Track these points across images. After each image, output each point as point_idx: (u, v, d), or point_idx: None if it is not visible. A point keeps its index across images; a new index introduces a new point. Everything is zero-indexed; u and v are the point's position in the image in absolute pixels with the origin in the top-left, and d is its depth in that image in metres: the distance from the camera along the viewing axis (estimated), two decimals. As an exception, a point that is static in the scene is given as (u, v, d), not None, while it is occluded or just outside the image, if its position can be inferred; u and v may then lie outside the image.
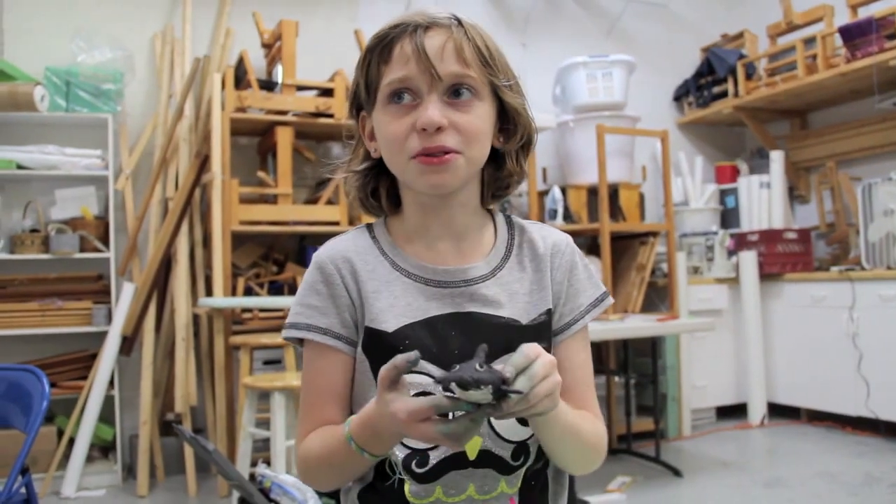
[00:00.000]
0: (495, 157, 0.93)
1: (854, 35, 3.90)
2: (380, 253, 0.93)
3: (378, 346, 0.88)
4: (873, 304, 3.79)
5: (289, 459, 2.60)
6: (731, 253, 4.46)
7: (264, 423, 2.84)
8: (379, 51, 0.87)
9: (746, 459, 3.65)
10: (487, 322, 0.89)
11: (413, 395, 0.76)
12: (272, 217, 3.47)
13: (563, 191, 4.16)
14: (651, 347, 3.67)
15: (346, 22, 4.13)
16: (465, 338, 0.88)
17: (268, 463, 2.47)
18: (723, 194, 4.85)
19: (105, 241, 3.52)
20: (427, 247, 0.93)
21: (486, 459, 0.88)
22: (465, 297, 0.90)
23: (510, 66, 0.92)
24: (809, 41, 4.24)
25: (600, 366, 3.97)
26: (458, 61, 0.85)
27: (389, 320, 0.88)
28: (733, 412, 4.41)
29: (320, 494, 2.08)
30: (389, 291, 0.90)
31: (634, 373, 3.97)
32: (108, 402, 3.41)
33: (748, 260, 4.30)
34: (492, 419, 0.86)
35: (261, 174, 3.55)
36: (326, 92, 3.64)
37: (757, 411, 4.27)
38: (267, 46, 3.81)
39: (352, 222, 3.51)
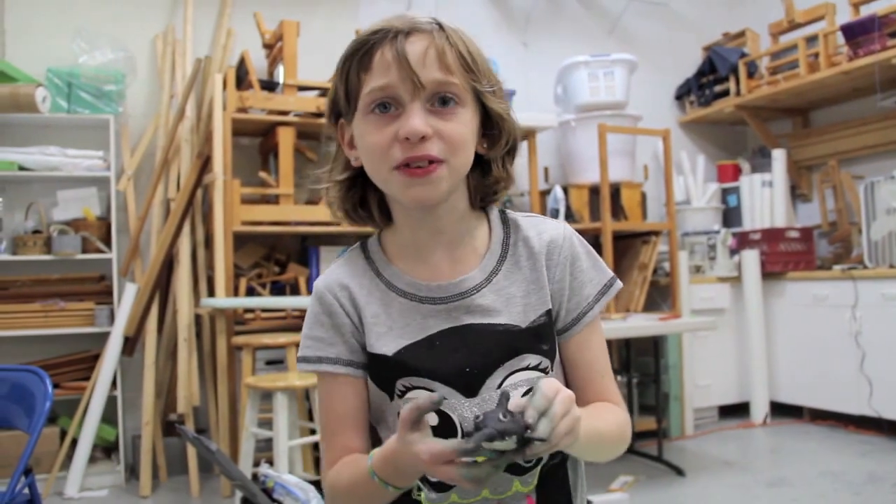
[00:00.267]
0: (480, 163, 0.92)
1: (856, 33, 3.89)
2: (375, 275, 0.93)
3: (381, 369, 0.90)
4: (876, 302, 3.78)
5: (291, 459, 2.60)
6: (734, 252, 4.46)
7: (267, 424, 2.84)
8: (359, 58, 0.86)
9: (749, 459, 3.65)
10: (486, 332, 0.89)
11: (409, 405, 0.75)
12: (274, 217, 3.47)
13: (565, 190, 4.16)
14: (653, 346, 3.67)
15: (347, 22, 4.13)
16: (465, 350, 0.88)
17: (270, 463, 2.47)
18: (725, 193, 4.85)
19: (107, 242, 3.52)
20: (421, 260, 0.92)
21: None
22: (462, 309, 0.90)
23: (493, 70, 0.90)
24: (811, 39, 4.23)
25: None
26: (440, 68, 0.84)
27: (389, 344, 0.89)
28: (736, 411, 4.40)
29: (323, 495, 2.08)
30: (387, 314, 0.91)
31: (637, 372, 3.97)
32: (111, 402, 3.41)
33: (750, 259, 4.30)
34: None
35: (262, 174, 3.55)
36: (328, 92, 3.63)
37: (759, 410, 4.26)
38: (268, 47, 3.81)
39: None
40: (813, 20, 4.35)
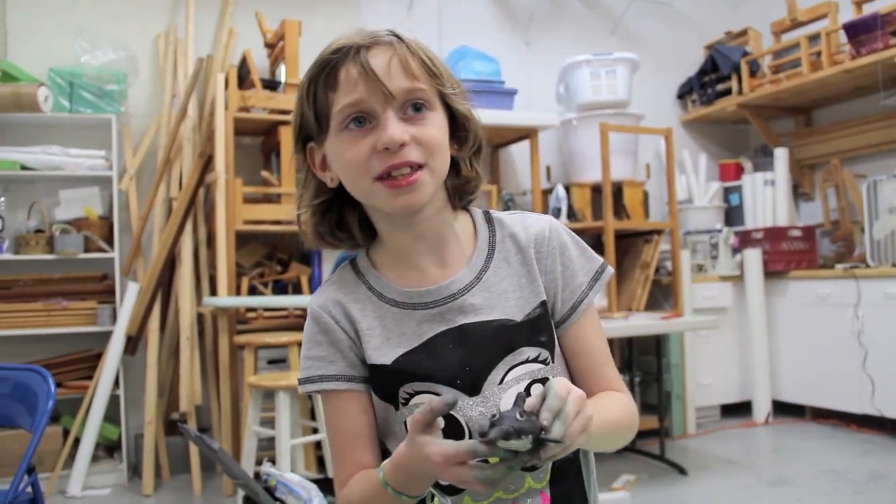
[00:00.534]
0: (452, 165, 0.93)
1: (859, 32, 3.88)
2: (366, 288, 0.94)
3: (382, 380, 0.90)
4: (878, 301, 3.78)
5: (294, 458, 2.60)
6: (736, 251, 4.45)
7: (269, 422, 2.85)
8: (324, 78, 0.86)
9: (751, 457, 3.65)
10: (482, 329, 0.89)
11: (418, 411, 0.75)
12: (276, 216, 3.48)
13: (567, 189, 4.16)
14: (655, 345, 3.66)
15: (348, 21, 4.13)
16: (463, 350, 0.89)
17: (273, 461, 2.47)
18: (727, 192, 4.84)
19: (109, 242, 3.53)
20: (409, 267, 0.93)
21: None
22: (455, 311, 0.90)
23: (453, 74, 0.92)
24: (814, 38, 4.22)
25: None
26: (406, 76, 0.85)
27: (386, 353, 0.90)
28: (738, 410, 4.40)
29: (325, 493, 2.08)
30: (382, 325, 0.91)
31: (639, 371, 3.97)
32: (114, 401, 3.42)
33: (752, 258, 4.29)
34: None
35: (264, 174, 3.55)
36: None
37: (762, 409, 4.26)
38: (270, 46, 3.81)
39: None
40: (815, 18, 4.35)
